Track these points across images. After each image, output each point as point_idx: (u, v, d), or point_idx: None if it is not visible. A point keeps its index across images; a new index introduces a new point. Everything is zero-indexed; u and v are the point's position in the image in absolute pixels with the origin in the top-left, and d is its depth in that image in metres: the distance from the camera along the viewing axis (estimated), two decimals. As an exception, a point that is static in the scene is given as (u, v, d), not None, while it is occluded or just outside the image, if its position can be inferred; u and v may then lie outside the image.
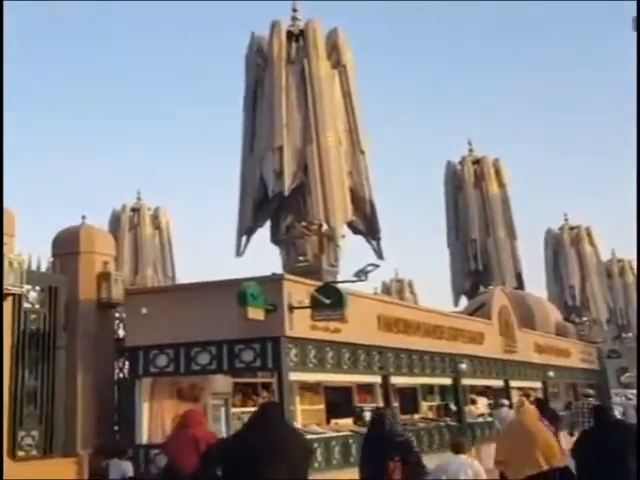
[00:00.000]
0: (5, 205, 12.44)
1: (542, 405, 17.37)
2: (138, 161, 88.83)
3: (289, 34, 18.28)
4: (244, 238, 17.53)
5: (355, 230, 17.74)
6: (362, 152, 17.93)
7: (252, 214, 17.41)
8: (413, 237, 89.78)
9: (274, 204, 17.19)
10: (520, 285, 29.77)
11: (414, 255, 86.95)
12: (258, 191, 17.31)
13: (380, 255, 17.63)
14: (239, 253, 17.42)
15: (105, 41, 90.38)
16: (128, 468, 11.66)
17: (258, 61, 18.26)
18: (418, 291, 53.40)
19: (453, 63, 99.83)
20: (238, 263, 17.72)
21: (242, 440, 6.37)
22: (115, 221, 33.13)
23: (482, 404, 20.56)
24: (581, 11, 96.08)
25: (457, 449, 9.10)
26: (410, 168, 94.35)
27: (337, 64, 18.26)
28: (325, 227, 16.57)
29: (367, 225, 17.80)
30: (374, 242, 17.86)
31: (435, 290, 50.85)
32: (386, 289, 51.77)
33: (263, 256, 18.60)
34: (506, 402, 18.54)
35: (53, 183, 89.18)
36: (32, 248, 13.33)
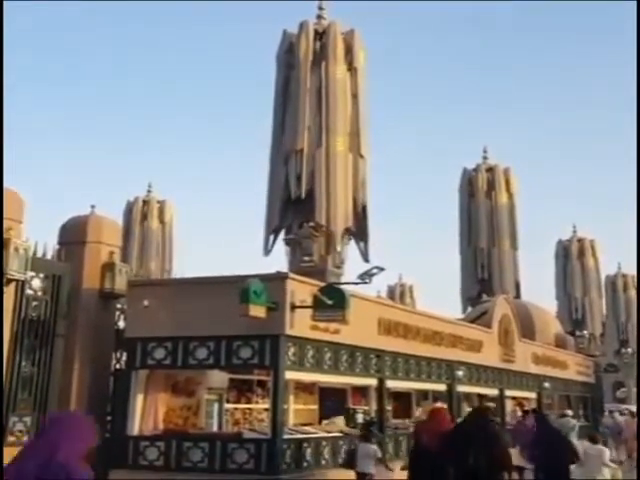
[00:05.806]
0: (17, 193, 12.55)
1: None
2: (156, 157, 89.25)
3: (315, 33, 18.37)
4: (271, 237, 17.59)
5: (348, 231, 17.80)
6: (361, 156, 18.01)
7: (279, 214, 17.49)
8: (422, 243, 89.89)
9: (295, 205, 17.36)
10: (518, 295, 29.85)
11: (422, 260, 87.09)
12: (284, 192, 17.41)
13: (366, 258, 17.67)
14: (267, 252, 17.47)
15: (123, 40, 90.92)
16: (374, 450, 12.33)
17: (288, 60, 18.33)
18: (419, 296, 53.90)
19: (469, 67, 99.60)
20: (242, 261, 17.85)
21: (455, 432, 9.87)
22: (128, 213, 33.42)
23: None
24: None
25: (593, 440, 12.27)
26: (420, 172, 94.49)
27: (350, 66, 18.34)
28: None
29: (358, 227, 17.84)
30: (361, 244, 17.89)
31: (441, 296, 50.88)
32: (391, 292, 52.17)
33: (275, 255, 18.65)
34: (569, 412, 20.96)
35: (79, 177, 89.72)
36: (46, 237, 13.52)
